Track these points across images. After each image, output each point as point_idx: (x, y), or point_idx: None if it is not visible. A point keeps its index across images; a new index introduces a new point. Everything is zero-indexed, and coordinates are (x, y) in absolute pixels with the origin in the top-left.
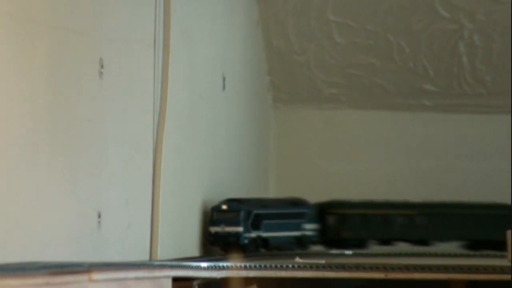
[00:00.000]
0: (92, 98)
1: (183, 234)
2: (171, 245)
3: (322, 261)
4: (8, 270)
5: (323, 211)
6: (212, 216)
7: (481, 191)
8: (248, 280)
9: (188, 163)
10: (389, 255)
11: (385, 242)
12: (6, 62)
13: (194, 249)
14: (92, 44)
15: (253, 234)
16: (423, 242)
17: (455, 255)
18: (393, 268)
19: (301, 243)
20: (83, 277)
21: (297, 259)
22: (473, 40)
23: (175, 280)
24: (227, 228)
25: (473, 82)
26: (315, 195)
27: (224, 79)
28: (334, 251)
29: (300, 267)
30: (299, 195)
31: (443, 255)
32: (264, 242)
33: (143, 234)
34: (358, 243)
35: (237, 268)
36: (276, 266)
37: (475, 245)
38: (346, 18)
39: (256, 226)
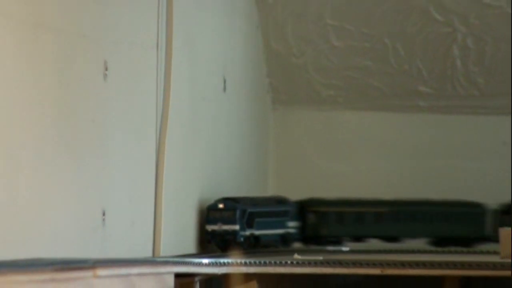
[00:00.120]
0: (97, 99)
1: (183, 231)
2: (173, 242)
3: (320, 258)
4: (16, 266)
5: (303, 209)
6: (209, 214)
7: (474, 190)
8: (248, 276)
9: (190, 163)
10: (384, 251)
11: (358, 239)
12: (14, 65)
13: (191, 246)
14: (96, 47)
15: (247, 232)
16: (393, 238)
17: (449, 252)
18: (389, 264)
19: (284, 241)
20: (88, 273)
21: (296, 256)
22: (466, 43)
23: (177, 276)
24: (224, 226)
25: (466, 84)
26: (313, 194)
27: (224, 81)
28: (330, 248)
29: (299, 263)
30: (298, 194)
31: (436, 252)
32: (256, 240)
33: (146, 232)
34: (335, 240)
35: (237, 264)
36: (275, 262)
37: (441, 241)
38: (343, 22)
39: (250, 224)
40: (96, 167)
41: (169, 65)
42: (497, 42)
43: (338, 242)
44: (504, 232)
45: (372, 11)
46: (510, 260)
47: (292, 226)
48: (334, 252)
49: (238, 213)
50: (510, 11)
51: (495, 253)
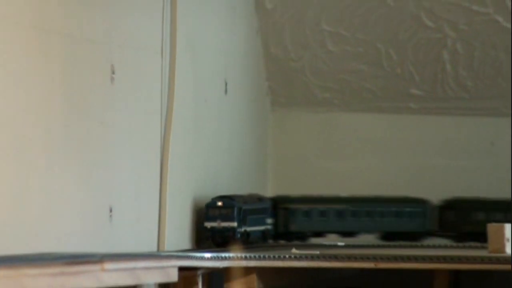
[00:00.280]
0: (104, 102)
1: (186, 228)
2: (176, 238)
3: (317, 252)
4: (27, 260)
5: (275, 206)
6: (208, 212)
7: (462, 186)
8: (248, 270)
9: (192, 162)
10: (378, 246)
11: (320, 234)
12: (25, 69)
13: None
14: (104, 52)
15: (242, 229)
16: (349, 234)
17: (439, 247)
18: (382, 258)
19: (264, 237)
20: (96, 267)
21: (294, 250)
22: (456, 48)
23: (181, 269)
24: (223, 223)
25: (456, 87)
26: (310, 192)
27: (226, 84)
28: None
29: (297, 258)
30: (296, 192)
31: (428, 246)
32: (247, 236)
33: (151, 227)
34: (301, 236)
35: (238, 258)
36: (274, 257)
37: (390, 236)
38: (338, 28)
39: (244, 221)
40: (103, 167)
41: (173, 68)
42: (485, 47)
43: (303, 238)
44: (492, 227)
45: (366, 17)
46: (497, 255)
47: (269, 222)
48: (330, 246)
49: (235, 210)
50: (498, 18)
51: (483, 247)
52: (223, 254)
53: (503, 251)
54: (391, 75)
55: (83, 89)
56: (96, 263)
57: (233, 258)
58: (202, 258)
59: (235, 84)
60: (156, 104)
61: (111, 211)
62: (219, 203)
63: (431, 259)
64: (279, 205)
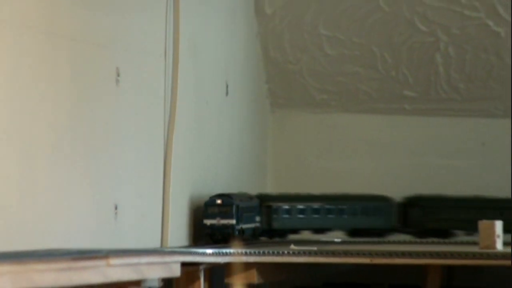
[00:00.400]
0: (109, 103)
1: (184, 225)
2: (177, 235)
3: (314, 248)
4: (35, 256)
5: (260, 204)
6: (207, 210)
7: (454, 184)
8: (248, 265)
9: (195, 161)
10: (373, 242)
11: (296, 231)
12: (33, 72)
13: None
14: (109, 55)
15: (239, 226)
16: (320, 230)
17: (432, 243)
18: (377, 254)
19: (254, 234)
20: (102, 262)
21: (292, 246)
22: (448, 51)
23: (183, 264)
24: (222, 220)
25: (448, 89)
26: (308, 190)
27: (227, 86)
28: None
29: (295, 253)
30: (294, 190)
31: (421, 242)
32: (242, 233)
33: (154, 224)
34: (282, 233)
35: (238, 254)
36: (273, 252)
37: (356, 232)
38: (335, 32)
39: (240, 218)
40: (109, 165)
41: (175, 71)
42: (477, 50)
43: (283, 235)
44: (483, 224)
45: (362, 22)
46: (488, 251)
47: (258, 220)
48: (327, 243)
49: (234, 208)
50: (489, 22)
51: (475, 243)
52: (224, 250)
53: (494, 247)
54: (386, 78)
55: (89, 91)
56: (102, 258)
57: (233, 254)
58: (204, 254)
59: (235, 86)
60: (159, 105)
61: (116, 209)
62: (218, 201)
63: (424, 254)
64: (263, 204)
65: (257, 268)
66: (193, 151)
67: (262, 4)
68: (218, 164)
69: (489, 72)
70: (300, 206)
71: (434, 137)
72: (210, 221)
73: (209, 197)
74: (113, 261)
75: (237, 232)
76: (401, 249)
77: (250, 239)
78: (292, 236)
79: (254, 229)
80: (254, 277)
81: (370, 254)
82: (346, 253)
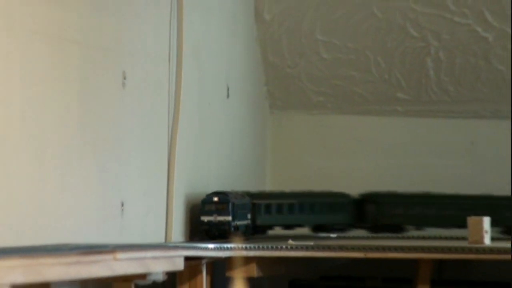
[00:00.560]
0: (116, 105)
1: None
2: (177, 230)
3: (311, 243)
4: (45, 250)
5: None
6: (204, 207)
7: (445, 183)
8: (248, 259)
9: (197, 160)
10: (367, 237)
11: (270, 227)
12: (45, 74)
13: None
14: (116, 59)
15: (234, 223)
16: (289, 226)
17: (423, 238)
18: (371, 248)
19: (246, 231)
20: (109, 257)
21: (290, 241)
22: (438, 56)
23: (187, 259)
24: (219, 217)
25: (438, 91)
26: (305, 188)
27: (228, 89)
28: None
29: (293, 248)
30: (292, 188)
31: (413, 237)
32: (237, 229)
33: (159, 220)
34: (263, 229)
35: (239, 249)
36: (272, 247)
37: (319, 228)
38: (331, 37)
39: (235, 215)
40: (115, 164)
41: (179, 74)
42: (466, 55)
43: (263, 231)
44: (472, 220)
45: (357, 28)
46: (476, 245)
47: (249, 217)
48: (323, 238)
49: (230, 205)
50: (477, 28)
51: (464, 239)
52: (225, 245)
53: (482, 242)
54: (380, 81)
55: (97, 93)
56: (109, 253)
57: (234, 249)
58: (206, 249)
59: (236, 88)
60: (163, 107)
61: (122, 205)
62: (215, 199)
63: (416, 249)
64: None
65: (256, 262)
66: (195, 150)
67: (261, 11)
68: (219, 163)
69: (478, 75)
70: (274, 204)
71: (425, 137)
72: (207, 217)
73: (206, 195)
74: (120, 255)
75: (232, 229)
76: (394, 244)
77: (243, 235)
78: (270, 232)
79: (246, 226)
80: (254, 271)
81: (364, 248)
82: (341, 248)
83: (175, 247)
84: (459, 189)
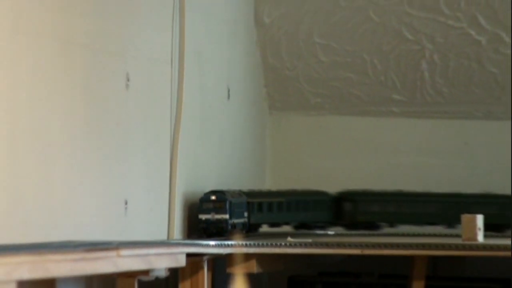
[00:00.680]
0: (120, 106)
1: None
2: (183, 227)
3: (309, 240)
4: (51, 247)
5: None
6: (202, 205)
7: (439, 182)
8: (248, 256)
9: (199, 160)
10: (363, 235)
11: (259, 226)
12: (51, 76)
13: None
14: (120, 62)
15: (232, 221)
16: (276, 224)
17: (418, 235)
18: (367, 245)
19: (243, 229)
20: (113, 253)
21: (289, 238)
22: (433, 58)
23: (188, 255)
24: (217, 215)
25: (433, 93)
26: (303, 187)
27: (228, 90)
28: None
29: (292, 245)
30: (290, 187)
31: (408, 235)
32: (234, 227)
33: (161, 218)
34: (255, 228)
35: (239, 246)
36: (271, 244)
37: (301, 226)
38: (329, 40)
39: (233, 213)
40: (119, 164)
41: (181, 77)
42: (459, 58)
43: (255, 229)
44: (465, 217)
45: (354, 31)
46: (470, 242)
47: (245, 215)
48: (321, 235)
49: (227, 204)
50: (471, 32)
51: (458, 236)
52: (226, 242)
53: (475, 239)
54: (376, 83)
55: (101, 95)
56: (113, 250)
57: (235, 246)
58: (207, 245)
59: (236, 90)
60: (166, 108)
61: (126, 203)
62: (213, 197)
63: (411, 246)
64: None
65: (256, 258)
66: (196, 150)
67: (261, 15)
68: (220, 163)
69: (471, 77)
70: (263, 202)
71: (420, 137)
72: (205, 216)
73: (204, 194)
74: (123, 252)
75: (230, 227)
76: (390, 241)
77: (240, 233)
78: (261, 230)
79: (243, 224)
80: (254, 267)
81: (361, 245)
82: (339, 245)
83: (177, 244)
84: (453, 188)
